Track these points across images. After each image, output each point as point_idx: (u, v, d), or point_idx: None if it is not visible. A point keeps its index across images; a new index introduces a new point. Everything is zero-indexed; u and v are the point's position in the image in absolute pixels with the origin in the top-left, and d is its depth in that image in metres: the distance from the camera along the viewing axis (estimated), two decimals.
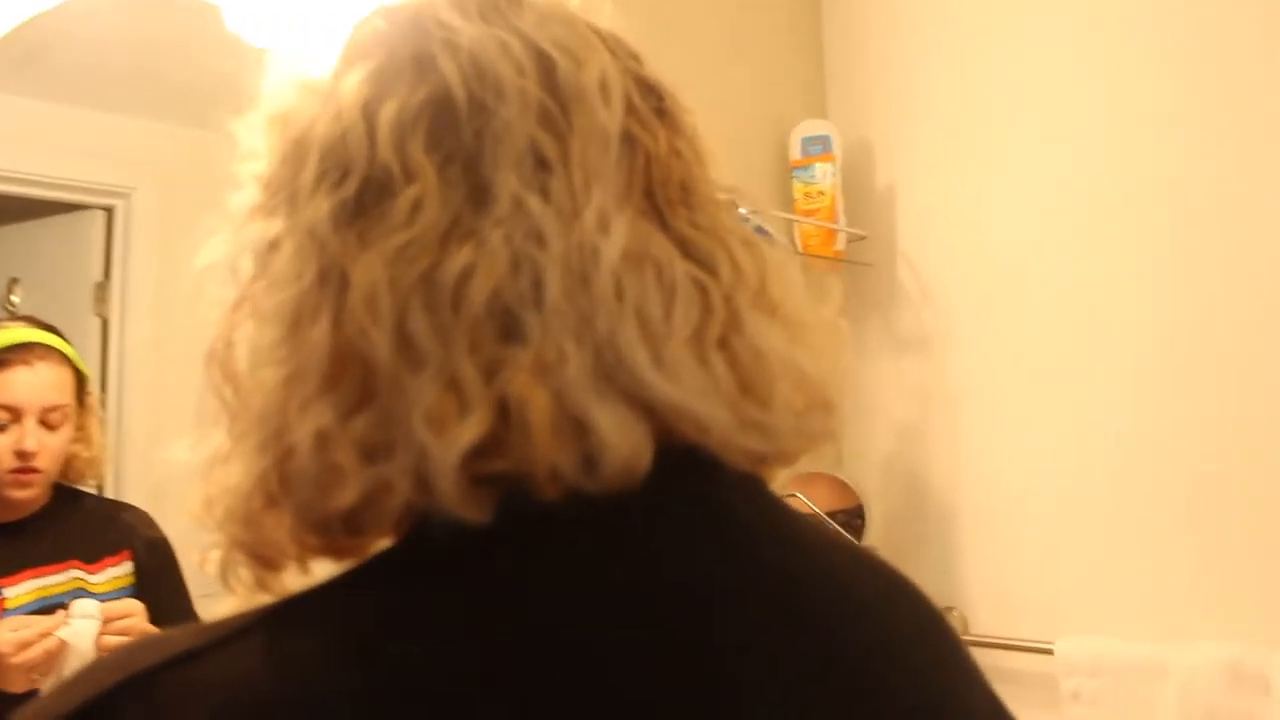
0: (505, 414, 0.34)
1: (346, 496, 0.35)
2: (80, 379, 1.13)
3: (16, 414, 1.07)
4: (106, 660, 0.34)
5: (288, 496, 0.37)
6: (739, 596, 0.35)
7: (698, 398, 0.36)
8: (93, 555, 1.12)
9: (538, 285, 0.35)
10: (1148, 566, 1.36)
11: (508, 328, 0.35)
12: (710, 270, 0.39)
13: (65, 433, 1.10)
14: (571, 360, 0.35)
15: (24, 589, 1.07)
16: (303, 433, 0.35)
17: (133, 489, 1.24)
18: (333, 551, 0.38)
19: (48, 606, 1.08)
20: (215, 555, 0.40)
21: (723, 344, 0.38)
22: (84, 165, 1.45)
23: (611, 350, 0.36)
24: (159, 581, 1.16)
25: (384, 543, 0.37)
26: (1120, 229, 1.41)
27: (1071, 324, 1.44)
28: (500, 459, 0.34)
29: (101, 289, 1.49)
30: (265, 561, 0.39)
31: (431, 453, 0.34)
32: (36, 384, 1.08)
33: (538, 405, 0.34)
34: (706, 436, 0.37)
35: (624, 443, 0.35)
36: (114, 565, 1.13)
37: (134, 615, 1.07)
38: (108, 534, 1.14)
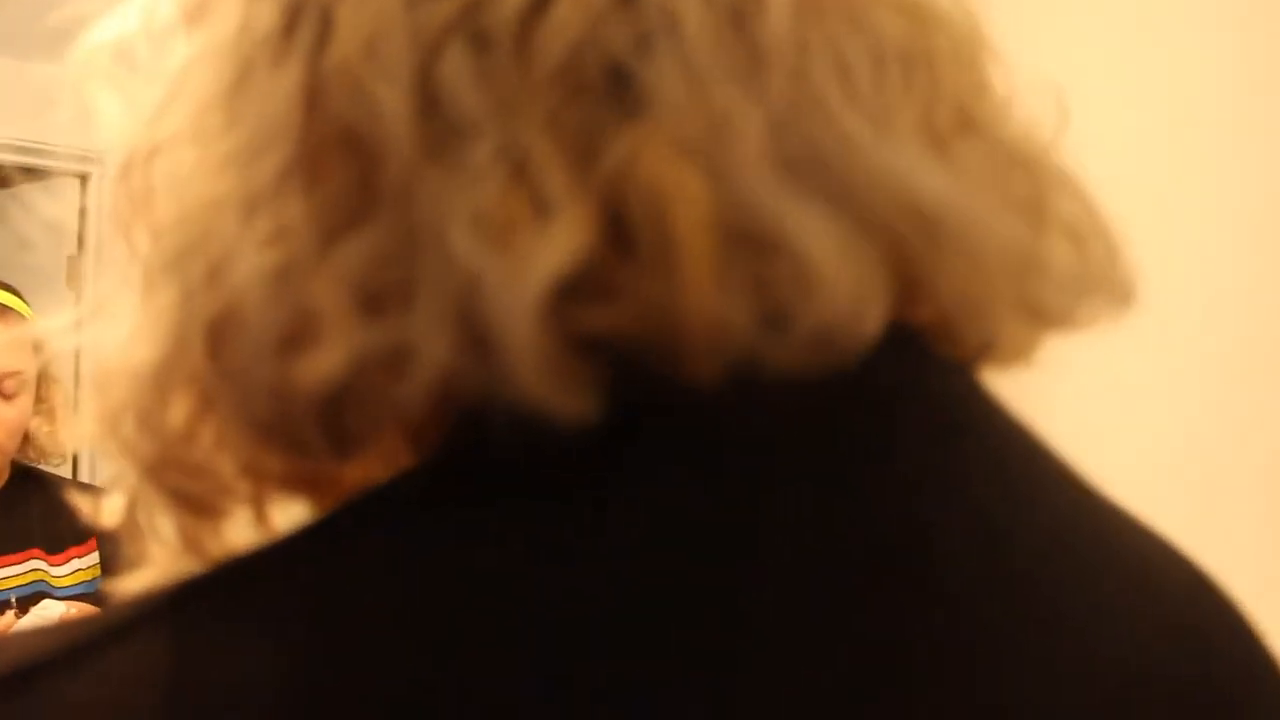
0: (620, 220, 0.20)
1: (324, 363, 0.20)
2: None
3: None
4: None
5: (225, 378, 0.21)
6: (1037, 568, 0.22)
7: (962, 197, 0.22)
8: (56, 544, 0.99)
9: (668, 19, 0.21)
10: (1241, 575, 1.22)
11: (615, 80, 0.21)
12: (927, 26, 0.25)
13: (23, 403, 0.97)
14: (741, 127, 0.20)
15: None
16: (250, 261, 0.21)
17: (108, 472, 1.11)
18: (305, 483, 0.24)
19: (3, 601, 0.95)
20: (116, 499, 0.25)
21: (964, 132, 0.24)
22: (57, 128, 1.34)
23: (799, 122, 0.21)
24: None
25: (387, 470, 0.23)
26: (1203, 187, 1.28)
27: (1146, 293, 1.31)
28: (612, 303, 0.20)
29: (75, 262, 1.37)
30: (194, 504, 0.24)
31: (488, 288, 0.19)
32: None
33: (687, 199, 0.19)
34: (953, 279, 0.22)
35: (844, 274, 0.20)
36: (79, 556, 1.00)
37: None
38: (73, 520, 1.01)
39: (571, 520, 0.19)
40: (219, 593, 0.20)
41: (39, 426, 1.00)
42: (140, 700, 0.19)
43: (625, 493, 0.19)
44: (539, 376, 0.19)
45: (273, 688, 0.19)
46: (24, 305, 1.00)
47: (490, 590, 0.19)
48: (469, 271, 0.19)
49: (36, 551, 0.98)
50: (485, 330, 0.19)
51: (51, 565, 0.98)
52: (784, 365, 0.20)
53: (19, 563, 0.97)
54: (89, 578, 1.00)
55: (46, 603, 0.93)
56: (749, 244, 0.20)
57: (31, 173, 1.36)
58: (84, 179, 1.37)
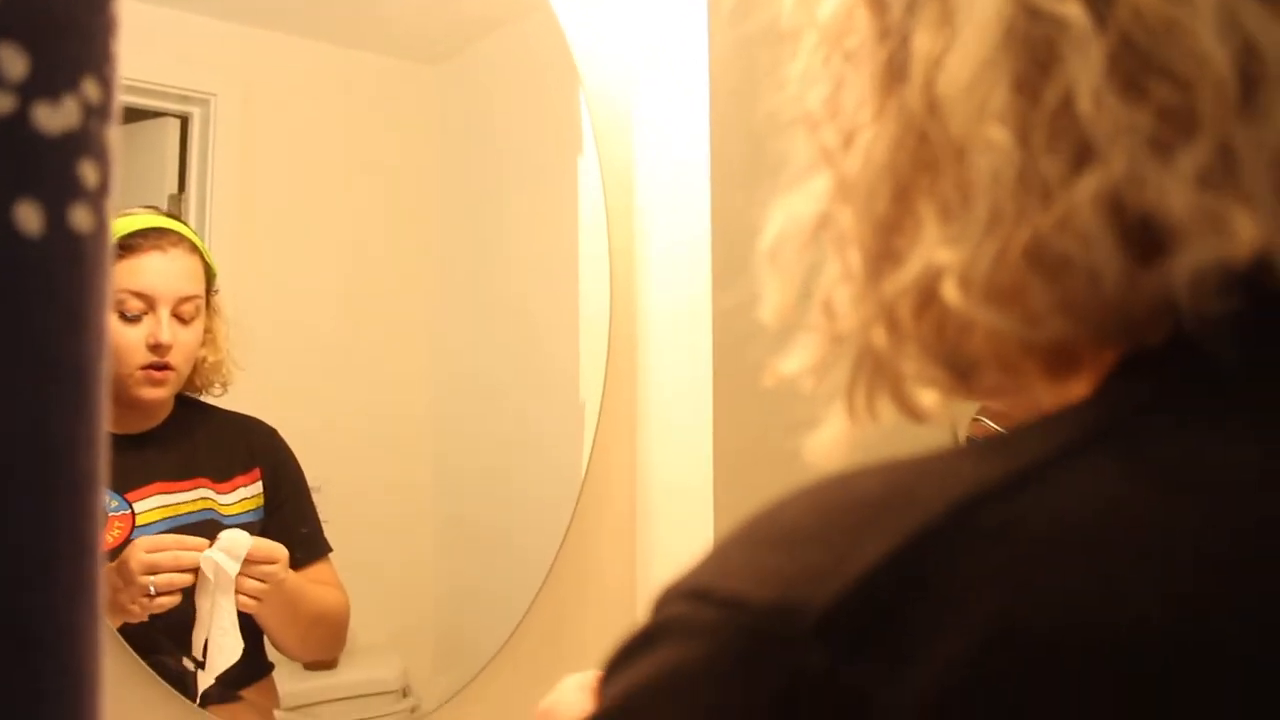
0: None
1: (1189, 261, 0.24)
2: (209, 274, 1.00)
3: (150, 303, 0.93)
4: (864, 497, 0.24)
5: (1047, 287, 0.25)
6: None
7: None
8: (222, 473, 0.99)
9: None
10: None
11: None
12: None
13: (196, 329, 0.97)
14: None
15: (151, 504, 0.94)
16: (1084, 192, 0.24)
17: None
18: (1047, 369, 0.29)
19: (177, 527, 0.94)
20: (832, 371, 0.31)
21: None
22: (162, 69, 1.32)
23: None
24: (287, 505, 1.03)
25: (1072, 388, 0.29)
26: None
27: None
28: None
29: (176, 201, 1.35)
30: (957, 376, 0.30)
31: None
32: (172, 271, 0.95)
33: None
34: None
35: None
36: (244, 485, 1.00)
37: (278, 562, 0.95)
38: (237, 450, 1.01)
39: None
40: (1128, 430, 0.24)
41: (204, 355, 1.00)
42: (1131, 506, 0.22)
43: None
44: None
45: (1257, 465, 0.23)
46: (193, 233, 1.00)
47: None
48: None
49: (204, 480, 0.98)
50: None
51: (219, 493, 0.98)
52: None
53: (189, 489, 0.97)
54: (254, 506, 1.00)
55: (230, 533, 0.93)
56: None
57: (132, 113, 1.36)
58: (184, 120, 1.37)
